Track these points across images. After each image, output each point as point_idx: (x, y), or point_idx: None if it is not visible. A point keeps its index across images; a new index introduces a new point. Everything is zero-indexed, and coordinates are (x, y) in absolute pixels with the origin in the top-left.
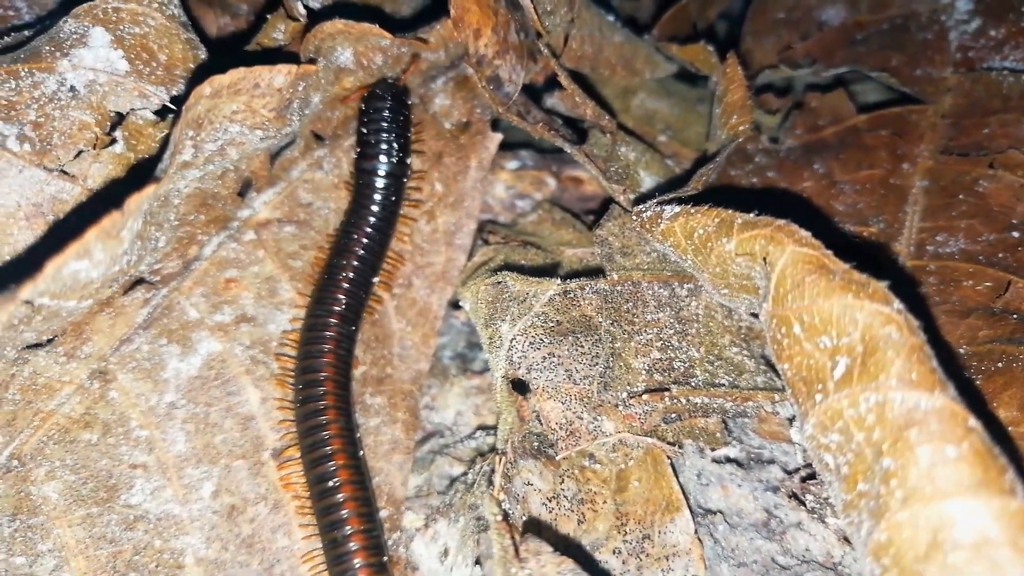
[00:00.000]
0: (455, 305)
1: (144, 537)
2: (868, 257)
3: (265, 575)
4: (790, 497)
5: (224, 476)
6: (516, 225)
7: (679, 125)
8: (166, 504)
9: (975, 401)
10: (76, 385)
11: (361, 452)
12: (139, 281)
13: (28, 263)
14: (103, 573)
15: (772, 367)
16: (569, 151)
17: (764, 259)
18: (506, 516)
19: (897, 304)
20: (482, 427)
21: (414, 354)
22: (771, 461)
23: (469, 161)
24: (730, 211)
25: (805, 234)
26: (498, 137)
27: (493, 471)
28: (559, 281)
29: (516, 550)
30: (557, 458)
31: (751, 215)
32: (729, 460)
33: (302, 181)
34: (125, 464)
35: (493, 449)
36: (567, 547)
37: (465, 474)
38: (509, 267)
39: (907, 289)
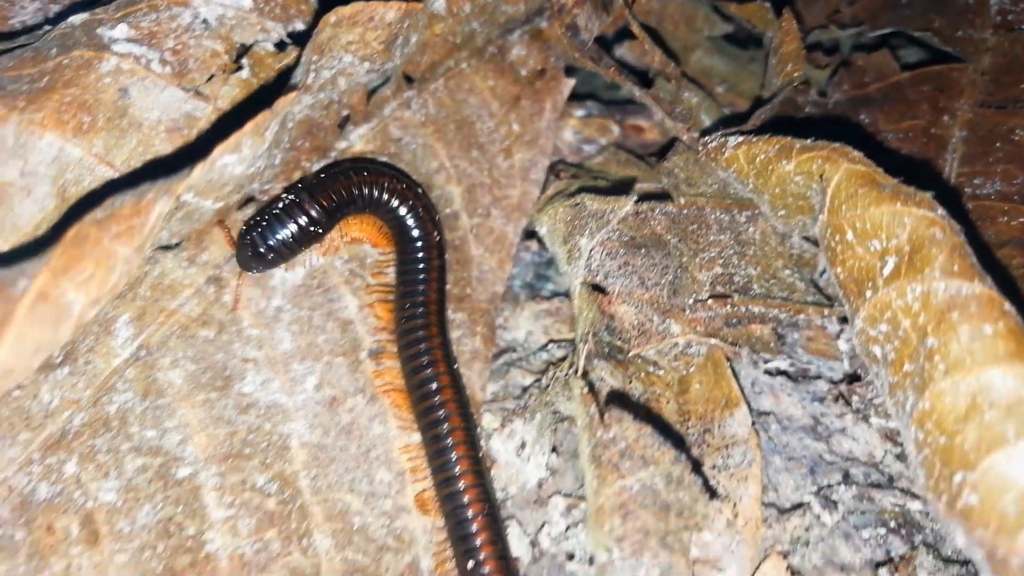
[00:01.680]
0: (528, 235)
1: (255, 421)
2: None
3: (362, 458)
4: (836, 401)
5: (326, 371)
6: (583, 166)
7: (734, 80)
8: (274, 394)
9: (1010, 291)
10: (195, 288)
11: (456, 364)
12: (249, 199)
13: (167, 168)
14: (221, 448)
15: (820, 289)
16: (638, 94)
17: (820, 176)
18: (592, 387)
19: (941, 210)
20: (552, 341)
21: (491, 277)
22: (818, 376)
23: (544, 103)
24: (789, 137)
25: (858, 154)
26: (571, 82)
27: (577, 357)
28: (634, 198)
29: (601, 416)
30: (628, 356)
31: (808, 140)
32: (780, 372)
33: (393, 118)
34: (238, 359)
35: (563, 359)
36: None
37: (538, 380)
38: (584, 191)
39: (949, 202)
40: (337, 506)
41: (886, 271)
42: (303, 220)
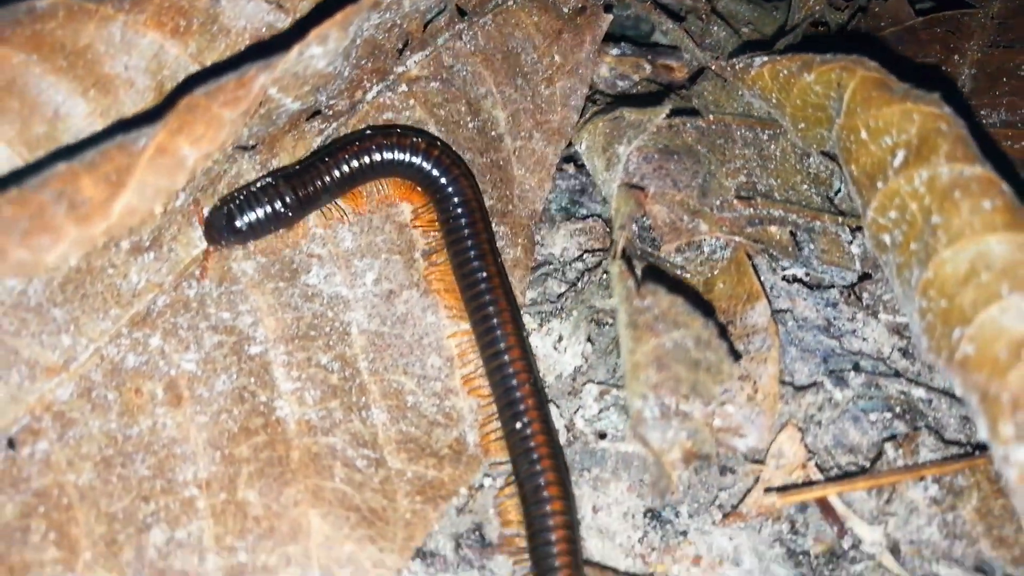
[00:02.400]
0: (564, 161)
1: (319, 309)
2: None
3: (415, 345)
4: (848, 305)
5: (384, 267)
6: (618, 98)
7: (759, 23)
8: (337, 287)
9: (1008, 175)
10: None
11: (500, 258)
12: (315, 113)
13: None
14: (288, 331)
15: (835, 206)
16: (670, 27)
17: (838, 84)
18: (630, 263)
19: (947, 108)
20: (587, 251)
21: (531, 196)
22: (831, 285)
23: (584, 37)
24: (810, 54)
25: (873, 63)
26: (609, 17)
27: (615, 241)
28: (669, 107)
29: (638, 287)
30: (660, 257)
31: (828, 55)
32: (796, 280)
33: (445, 48)
34: (304, 254)
35: (598, 266)
36: None
37: (573, 287)
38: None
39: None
40: (392, 385)
41: (896, 163)
42: (277, 204)
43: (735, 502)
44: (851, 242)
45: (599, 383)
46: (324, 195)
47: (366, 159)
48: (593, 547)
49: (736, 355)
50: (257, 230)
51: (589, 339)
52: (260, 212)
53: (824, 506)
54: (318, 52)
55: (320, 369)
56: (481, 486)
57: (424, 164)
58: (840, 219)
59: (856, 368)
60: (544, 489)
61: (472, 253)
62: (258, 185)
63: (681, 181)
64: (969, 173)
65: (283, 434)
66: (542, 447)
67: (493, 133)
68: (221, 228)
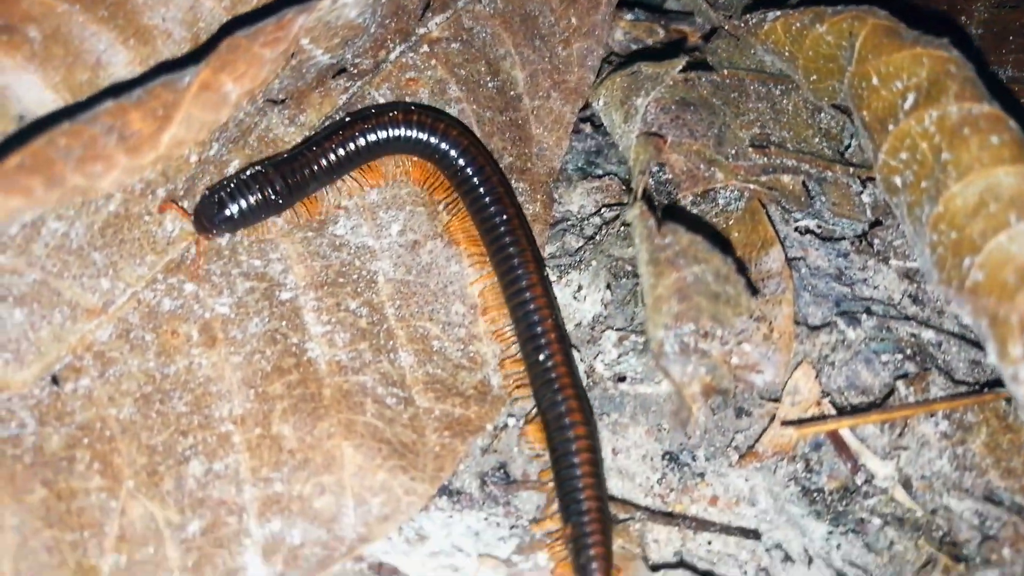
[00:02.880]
0: (582, 120)
1: (347, 258)
2: None
3: (440, 293)
4: (859, 254)
5: (408, 219)
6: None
7: None
8: (363, 237)
9: (1014, 113)
10: (292, 145)
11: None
12: (341, 71)
13: None
14: (318, 278)
15: (846, 160)
16: None
17: (850, 33)
18: (651, 204)
19: (955, 51)
20: (605, 206)
21: (549, 154)
22: (842, 237)
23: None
24: (822, 7)
25: (884, 12)
26: None
27: (635, 185)
28: (686, 58)
29: (659, 226)
30: (679, 200)
31: (839, 7)
32: (808, 231)
33: (465, 10)
34: (332, 205)
35: (615, 219)
36: None
37: (591, 239)
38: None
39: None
40: (418, 331)
41: (906, 105)
42: (267, 192)
43: (750, 444)
44: (861, 193)
45: (618, 330)
46: (313, 182)
47: (352, 145)
48: (614, 487)
49: (753, 289)
50: (248, 218)
51: (608, 287)
52: (251, 200)
53: (838, 442)
54: (350, 1)
55: (349, 314)
56: (505, 426)
57: (410, 132)
58: (851, 170)
59: (868, 312)
60: (567, 416)
61: (487, 196)
62: (247, 174)
63: (698, 131)
64: (977, 111)
65: (315, 373)
66: (564, 377)
67: (512, 93)
68: (211, 217)
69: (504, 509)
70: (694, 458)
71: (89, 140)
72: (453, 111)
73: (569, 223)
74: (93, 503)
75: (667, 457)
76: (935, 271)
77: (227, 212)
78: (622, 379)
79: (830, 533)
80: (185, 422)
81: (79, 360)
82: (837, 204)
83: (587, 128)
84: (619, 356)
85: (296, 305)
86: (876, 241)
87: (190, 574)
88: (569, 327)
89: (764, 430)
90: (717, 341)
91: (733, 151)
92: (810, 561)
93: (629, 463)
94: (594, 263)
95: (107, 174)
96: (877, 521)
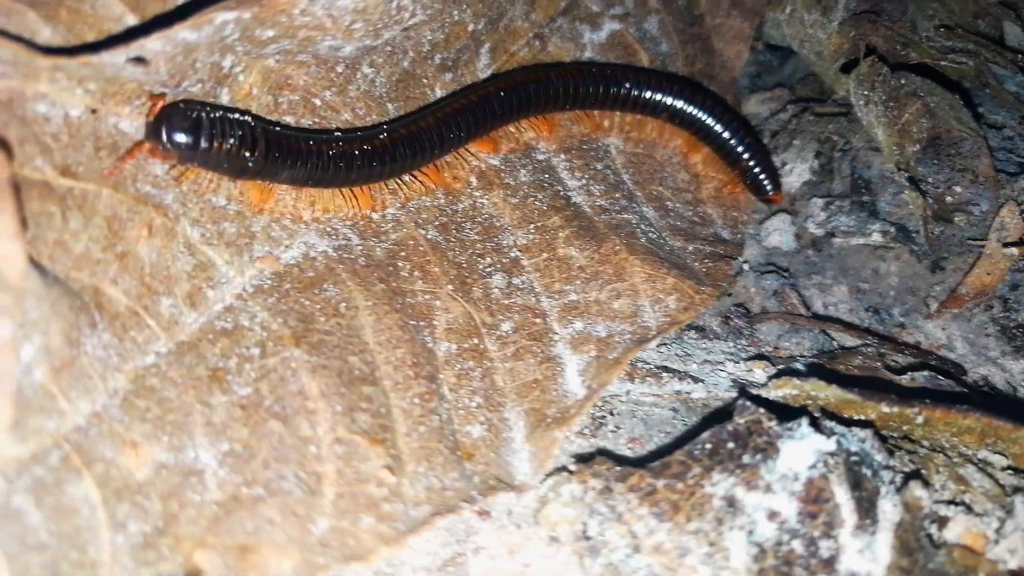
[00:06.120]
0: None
1: (584, 129)
2: None
3: (665, 162)
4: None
5: None
6: None
7: None
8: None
9: None
10: (526, 40)
11: None
12: None
13: None
14: (564, 143)
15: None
16: None
17: None
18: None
19: None
20: (790, 102)
21: (730, 64)
22: (1003, 126)
23: None
24: None
25: None
26: None
27: (860, 57)
28: None
29: (892, 71)
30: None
31: None
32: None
33: None
34: None
35: (802, 112)
36: None
37: (776, 135)
38: None
39: None
40: (653, 193)
41: None
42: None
43: (943, 299)
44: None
45: (823, 196)
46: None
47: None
48: None
49: (978, 116)
50: (208, 159)
51: (817, 156)
52: (228, 144)
53: None
54: None
55: (597, 172)
56: (740, 271)
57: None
58: (1019, 57)
59: None
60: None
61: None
62: (239, 118)
63: (894, 16)
64: None
65: (584, 212)
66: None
67: (696, 12)
68: (175, 130)
69: (747, 340)
70: (891, 313)
71: None
72: (654, 20)
73: (753, 124)
74: (420, 301)
75: (871, 310)
76: None
77: (198, 139)
78: (832, 235)
79: None
80: (480, 247)
81: (380, 193)
82: (996, 96)
83: (759, 46)
84: (828, 217)
85: (551, 163)
86: None
87: (511, 362)
88: None
89: (966, 273)
90: (957, 158)
91: (924, 34)
92: (1015, 390)
93: (837, 315)
94: (797, 141)
95: None
96: None
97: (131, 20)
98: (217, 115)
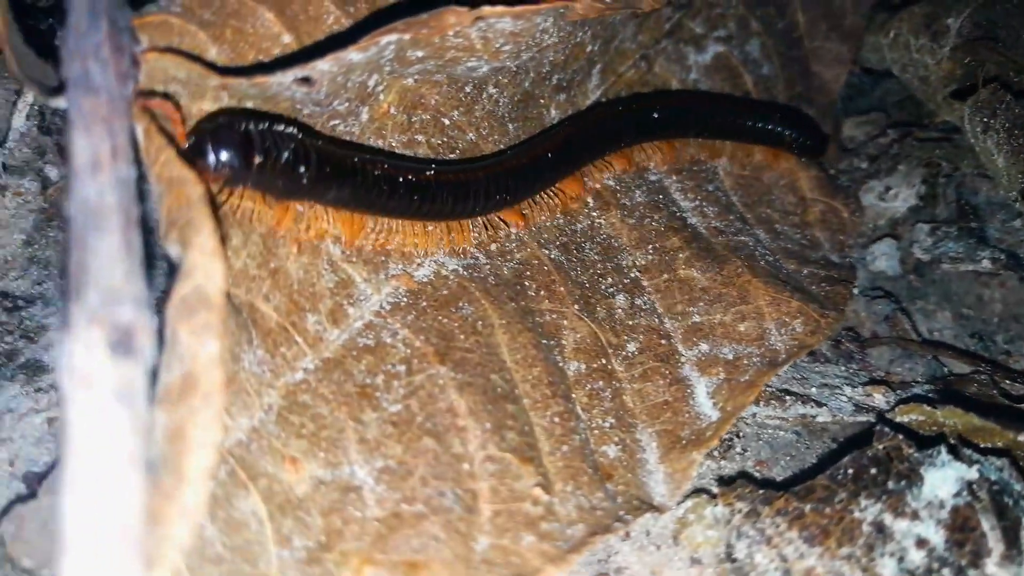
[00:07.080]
0: None
1: (694, 151)
2: None
3: (773, 184)
4: None
5: None
6: None
7: None
8: None
9: None
10: (633, 60)
11: None
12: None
13: None
14: (675, 165)
15: None
16: None
17: None
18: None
19: None
20: (890, 125)
21: (828, 88)
22: None
23: None
24: None
25: None
26: None
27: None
28: None
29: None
30: None
31: None
32: None
33: None
34: None
35: (898, 140)
36: None
37: (875, 159)
38: None
39: None
40: (762, 215)
41: None
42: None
43: None
44: None
45: (928, 222)
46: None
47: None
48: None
49: None
50: (260, 181)
51: (925, 181)
52: (284, 159)
53: None
54: None
55: (709, 193)
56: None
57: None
58: None
59: None
60: None
61: None
62: (297, 134)
63: (1008, 43)
64: None
65: (700, 234)
66: None
67: (795, 35)
68: (222, 148)
69: (858, 365)
70: (995, 341)
71: None
72: (755, 43)
73: (851, 147)
74: (548, 320)
75: (976, 336)
76: None
77: (253, 157)
78: (940, 261)
79: None
80: (600, 267)
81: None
82: None
83: (854, 68)
84: (935, 243)
85: (663, 184)
86: None
87: (639, 383)
88: (880, 222)
89: None
90: None
91: None
92: None
93: (942, 339)
94: (902, 166)
95: None
96: None
97: (287, 39)
98: (277, 130)
